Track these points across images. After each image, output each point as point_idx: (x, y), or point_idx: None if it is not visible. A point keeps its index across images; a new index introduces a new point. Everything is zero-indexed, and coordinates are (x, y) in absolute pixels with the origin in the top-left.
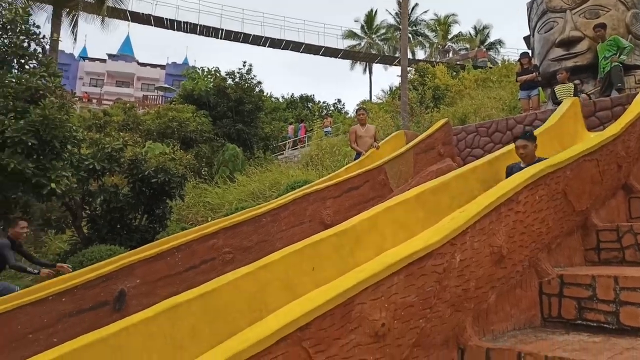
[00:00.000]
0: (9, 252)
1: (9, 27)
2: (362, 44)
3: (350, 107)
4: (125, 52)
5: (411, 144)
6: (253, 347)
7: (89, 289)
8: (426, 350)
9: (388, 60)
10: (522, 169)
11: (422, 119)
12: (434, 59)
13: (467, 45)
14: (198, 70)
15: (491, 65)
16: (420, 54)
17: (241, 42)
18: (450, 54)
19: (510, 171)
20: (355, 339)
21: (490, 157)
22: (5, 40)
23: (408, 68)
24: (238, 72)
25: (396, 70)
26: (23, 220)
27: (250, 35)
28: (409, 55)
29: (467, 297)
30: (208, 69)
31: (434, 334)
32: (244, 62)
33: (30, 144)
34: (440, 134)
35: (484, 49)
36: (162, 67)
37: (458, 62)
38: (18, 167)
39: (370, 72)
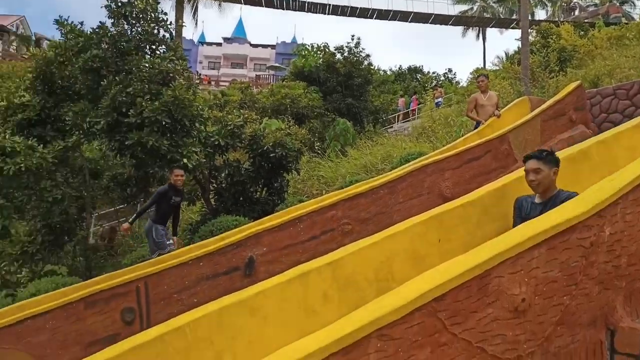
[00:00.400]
0: (156, 201)
1: (141, 16)
2: (475, 8)
3: (462, 77)
4: (238, 35)
5: (538, 110)
6: (390, 315)
7: (222, 255)
8: (571, 329)
9: (504, 24)
10: (534, 204)
11: (546, 84)
12: (557, 19)
13: (597, 1)
14: (308, 47)
15: (626, 22)
16: (541, 14)
17: (348, 15)
18: (577, 12)
19: (520, 207)
20: (493, 313)
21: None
22: (139, 29)
23: (528, 30)
24: (347, 47)
25: (513, 34)
26: (179, 169)
27: (357, 8)
28: (529, 17)
29: (618, 275)
30: (317, 45)
31: (579, 313)
32: (352, 36)
33: (164, 123)
34: (572, 98)
35: (617, 4)
36: (272, 47)
37: (586, 20)
38: (155, 144)
39: (484, 38)
